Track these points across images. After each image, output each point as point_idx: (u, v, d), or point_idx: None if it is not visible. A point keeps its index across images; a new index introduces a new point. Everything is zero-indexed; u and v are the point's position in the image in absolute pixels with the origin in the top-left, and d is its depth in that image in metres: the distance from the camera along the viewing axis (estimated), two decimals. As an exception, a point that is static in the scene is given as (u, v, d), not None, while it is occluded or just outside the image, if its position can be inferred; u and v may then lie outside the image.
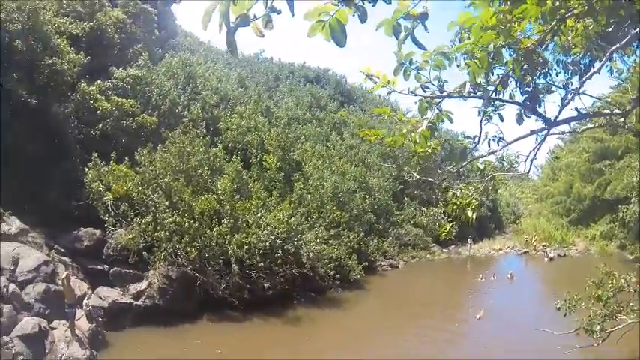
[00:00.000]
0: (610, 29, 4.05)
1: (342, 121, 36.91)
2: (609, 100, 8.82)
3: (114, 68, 21.57)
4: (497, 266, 31.84)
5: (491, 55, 3.65)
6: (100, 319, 15.02)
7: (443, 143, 34.01)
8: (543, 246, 36.90)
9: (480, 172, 5.54)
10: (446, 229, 6.53)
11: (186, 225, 17.53)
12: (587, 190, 37.69)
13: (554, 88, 4.78)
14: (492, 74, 4.12)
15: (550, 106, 4.67)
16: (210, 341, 15.30)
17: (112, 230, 17.72)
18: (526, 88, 4.42)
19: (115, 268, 17.06)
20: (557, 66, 4.99)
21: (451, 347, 16.69)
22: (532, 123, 4.61)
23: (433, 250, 32.97)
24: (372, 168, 32.37)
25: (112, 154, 18.91)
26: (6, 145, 16.18)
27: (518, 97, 4.44)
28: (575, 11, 3.63)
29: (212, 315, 17.29)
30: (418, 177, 5.89)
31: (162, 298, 16.87)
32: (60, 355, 12.54)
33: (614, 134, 34.50)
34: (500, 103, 4.48)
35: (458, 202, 5.22)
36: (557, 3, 3.46)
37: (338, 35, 2.39)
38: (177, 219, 17.56)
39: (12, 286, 13.20)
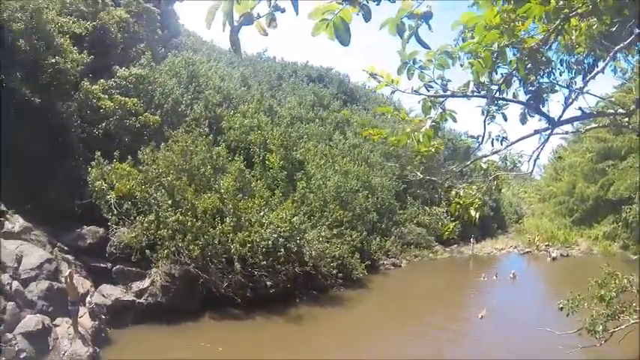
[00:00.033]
0: (614, 29, 4.04)
1: (345, 120, 36.82)
2: (613, 99, 8.81)
3: (117, 67, 21.61)
4: (500, 266, 31.71)
5: (495, 55, 3.65)
6: (103, 316, 15.05)
7: (446, 142, 33.83)
8: (546, 246, 36.77)
9: (483, 171, 5.53)
10: (449, 228, 6.56)
11: (188, 223, 17.56)
12: (591, 190, 37.57)
13: (557, 88, 4.77)
14: (496, 73, 4.12)
15: (554, 105, 4.67)
16: (213, 339, 15.32)
17: (115, 228, 17.75)
18: (530, 88, 4.42)
19: (117, 266, 17.09)
20: (561, 65, 4.99)
21: (453, 346, 16.70)
22: (535, 122, 4.61)
23: (436, 249, 32.90)
24: (375, 167, 32.32)
25: (114, 153, 18.95)
26: (9, 143, 16.20)
27: (522, 97, 4.44)
28: (579, 10, 3.61)
29: (214, 313, 17.29)
30: (421, 176, 5.90)
31: (165, 296, 16.89)
32: (63, 353, 12.59)
33: (618, 134, 34.35)
34: (504, 102, 4.47)
35: (461, 202, 5.22)
36: (561, 2, 3.46)
37: (342, 34, 2.39)
38: (180, 217, 17.58)
39: (15, 284, 13.23)
